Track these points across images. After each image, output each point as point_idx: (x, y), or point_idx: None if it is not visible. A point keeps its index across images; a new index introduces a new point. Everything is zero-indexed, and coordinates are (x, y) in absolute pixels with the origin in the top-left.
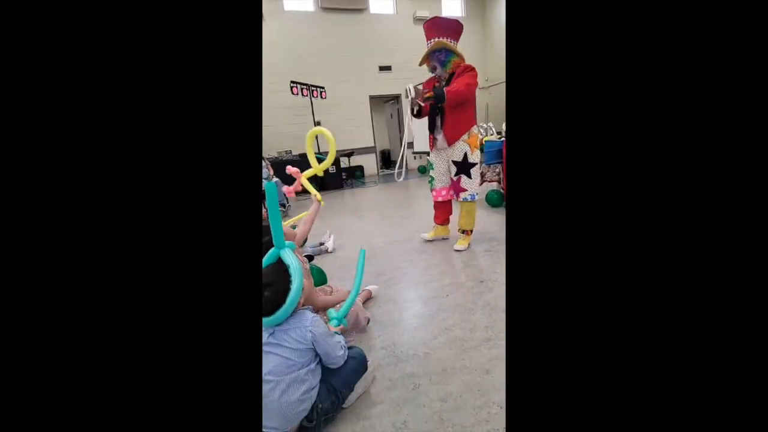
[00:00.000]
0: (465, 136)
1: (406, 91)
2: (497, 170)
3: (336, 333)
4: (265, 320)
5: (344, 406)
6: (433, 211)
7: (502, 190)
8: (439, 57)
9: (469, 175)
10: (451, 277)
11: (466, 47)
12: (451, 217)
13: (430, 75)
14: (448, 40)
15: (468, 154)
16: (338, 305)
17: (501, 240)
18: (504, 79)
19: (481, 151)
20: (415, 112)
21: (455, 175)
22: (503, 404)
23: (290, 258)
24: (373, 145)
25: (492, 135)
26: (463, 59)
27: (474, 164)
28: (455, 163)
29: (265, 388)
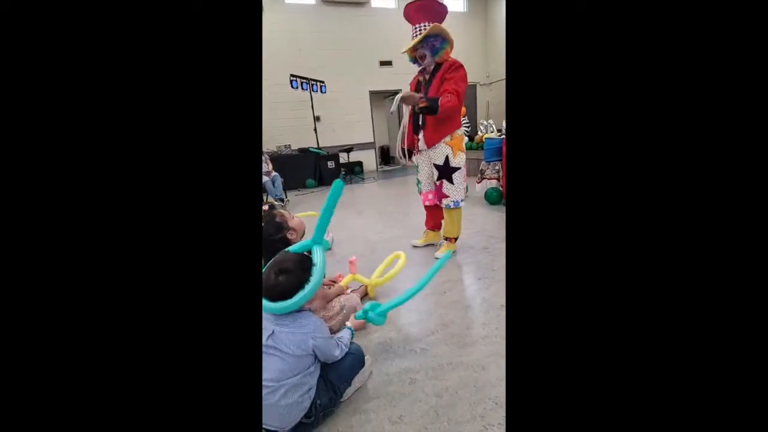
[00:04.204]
0: (447, 138)
1: (395, 102)
2: (497, 168)
3: (347, 328)
4: (265, 304)
5: (341, 399)
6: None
7: (501, 188)
8: (434, 44)
9: (451, 181)
10: (450, 274)
11: (467, 44)
12: (442, 222)
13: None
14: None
15: (450, 157)
16: (342, 296)
17: (499, 238)
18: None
19: (472, 149)
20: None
21: (437, 180)
22: (499, 400)
23: (320, 257)
24: (372, 140)
25: (492, 132)
26: (452, 46)
27: (457, 169)
28: (437, 166)
29: (264, 392)
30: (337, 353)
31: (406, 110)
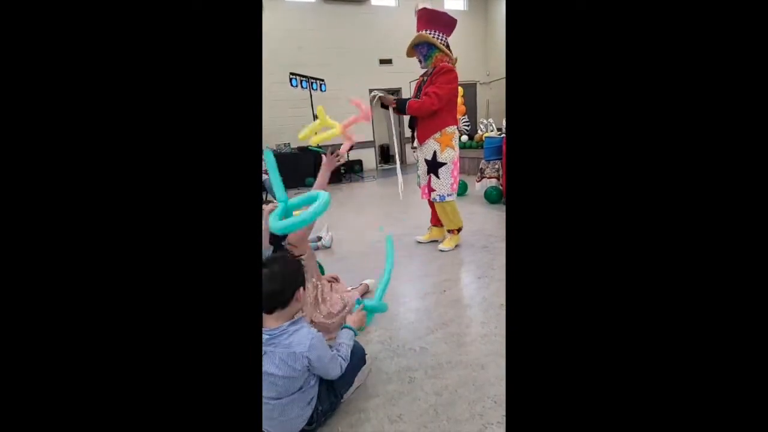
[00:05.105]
0: (437, 135)
1: (372, 98)
2: (496, 167)
3: (347, 328)
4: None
5: (341, 400)
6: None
7: (501, 187)
8: (421, 51)
9: (437, 175)
10: (449, 273)
11: (467, 42)
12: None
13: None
14: (433, 33)
15: (437, 152)
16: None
17: (499, 237)
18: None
19: (472, 148)
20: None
21: (426, 174)
22: (498, 399)
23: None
24: (372, 139)
25: (492, 131)
26: (447, 55)
27: (443, 164)
28: (426, 161)
29: (264, 408)
30: (336, 373)
31: (392, 115)
